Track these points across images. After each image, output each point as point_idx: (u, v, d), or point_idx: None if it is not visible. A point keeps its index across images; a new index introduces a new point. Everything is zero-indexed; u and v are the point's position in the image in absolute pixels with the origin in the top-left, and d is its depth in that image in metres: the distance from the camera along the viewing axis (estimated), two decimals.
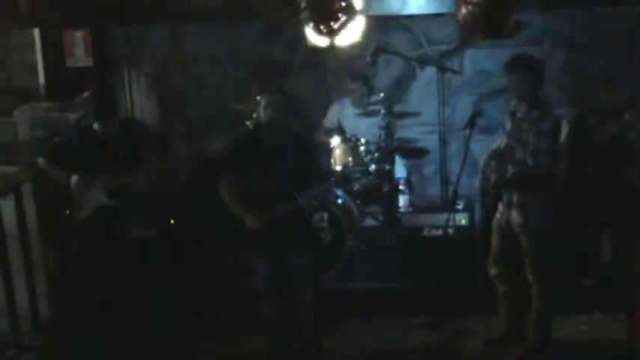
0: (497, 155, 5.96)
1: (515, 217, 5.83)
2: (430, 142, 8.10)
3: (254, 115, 7.30)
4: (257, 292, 5.87)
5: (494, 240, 6.06)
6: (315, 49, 7.44)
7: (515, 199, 5.81)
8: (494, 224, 6.04)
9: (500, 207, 5.96)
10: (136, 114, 8.51)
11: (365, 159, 7.40)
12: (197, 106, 8.55)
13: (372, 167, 7.44)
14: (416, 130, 8.18)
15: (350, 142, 7.40)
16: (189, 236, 7.56)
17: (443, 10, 5.97)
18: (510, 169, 5.77)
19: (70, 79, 7.79)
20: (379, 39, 8.05)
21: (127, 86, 8.53)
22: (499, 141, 6.03)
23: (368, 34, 7.92)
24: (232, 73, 8.46)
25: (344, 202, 7.24)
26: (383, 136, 7.50)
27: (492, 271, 6.10)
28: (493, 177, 5.91)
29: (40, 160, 6.19)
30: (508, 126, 5.96)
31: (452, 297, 5.94)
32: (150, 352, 6.41)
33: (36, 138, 7.01)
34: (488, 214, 6.35)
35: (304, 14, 5.31)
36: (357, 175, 7.46)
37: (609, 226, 6.80)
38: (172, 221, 7.30)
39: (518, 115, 5.83)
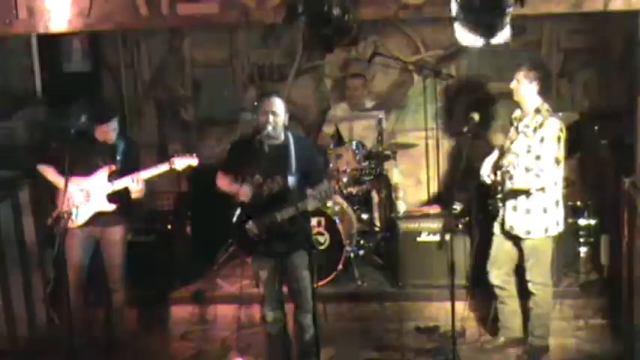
0: (500, 159, 5.96)
1: (519, 222, 5.84)
2: (427, 146, 8.10)
3: (253, 120, 7.31)
4: (256, 296, 5.87)
5: (495, 244, 6.06)
6: (313, 54, 7.47)
7: (519, 204, 5.82)
8: (496, 229, 6.05)
9: (502, 211, 5.96)
10: (133, 118, 8.52)
11: (362, 163, 7.39)
12: (194, 110, 8.55)
13: (369, 171, 7.44)
14: (413, 135, 8.18)
15: (347, 147, 7.40)
16: (187, 240, 7.56)
17: (440, 15, 5.96)
18: (514, 174, 5.77)
19: (67, 84, 7.79)
20: (376, 44, 8.07)
21: (124, 91, 8.53)
22: (502, 144, 6.03)
23: (365, 38, 7.99)
24: (230, 78, 8.46)
25: (341, 207, 7.24)
26: (380, 141, 7.50)
27: (492, 275, 6.10)
28: (497, 181, 5.91)
29: (40, 167, 6.18)
30: (511, 131, 5.96)
31: (449, 301, 5.93)
32: (147, 354, 6.42)
33: (33, 142, 7.00)
34: (488, 217, 6.36)
35: (301, 19, 5.30)
36: (354, 179, 7.46)
37: (609, 229, 6.81)
38: (170, 226, 7.30)
39: (522, 120, 5.84)
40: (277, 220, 5.52)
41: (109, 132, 6.03)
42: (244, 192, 5.55)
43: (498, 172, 5.91)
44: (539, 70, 5.85)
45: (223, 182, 5.79)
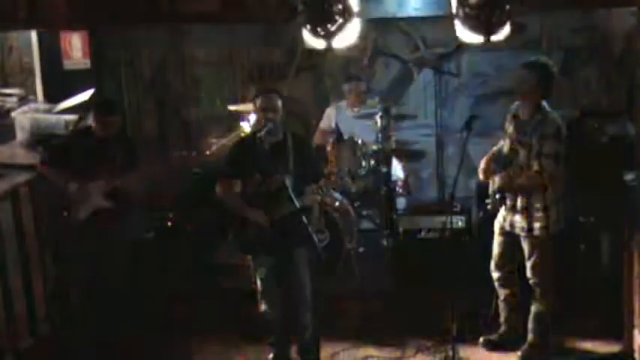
0: (499, 157, 5.95)
1: (519, 221, 5.83)
2: (427, 144, 8.11)
3: (251, 118, 7.31)
4: (256, 293, 5.87)
5: (497, 243, 6.05)
6: (312, 52, 7.45)
7: (519, 203, 5.80)
8: (497, 228, 6.04)
9: (502, 210, 5.95)
10: (134, 116, 8.52)
11: (362, 161, 7.39)
12: (195, 108, 8.55)
13: (369, 169, 7.44)
14: (413, 133, 8.19)
15: (347, 144, 7.40)
16: (186, 238, 7.56)
17: (440, 13, 5.97)
18: (514, 172, 5.76)
19: (67, 82, 7.79)
20: (377, 41, 8.07)
21: (124, 88, 8.53)
22: (501, 142, 6.02)
23: (365, 36, 7.98)
24: (230, 75, 8.47)
25: (341, 205, 7.24)
26: (380, 139, 7.50)
27: (494, 275, 6.10)
28: (497, 180, 5.89)
29: (39, 165, 6.18)
30: (510, 129, 5.94)
31: (449, 299, 5.94)
32: (148, 353, 6.42)
33: (34, 140, 7.00)
34: (488, 216, 6.35)
35: (301, 17, 5.30)
36: (354, 177, 7.46)
37: (609, 227, 6.80)
38: (170, 223, 7.30)
39: (522, 117, 5.82)
40: (275, 216, 5.53)
41: (108, 125, 6.02)
42: (265, 220, 5.57)
43: (498, 172, 5.90)
44: (543, 69, 5.81)
45: (237, 204, 5.69)
